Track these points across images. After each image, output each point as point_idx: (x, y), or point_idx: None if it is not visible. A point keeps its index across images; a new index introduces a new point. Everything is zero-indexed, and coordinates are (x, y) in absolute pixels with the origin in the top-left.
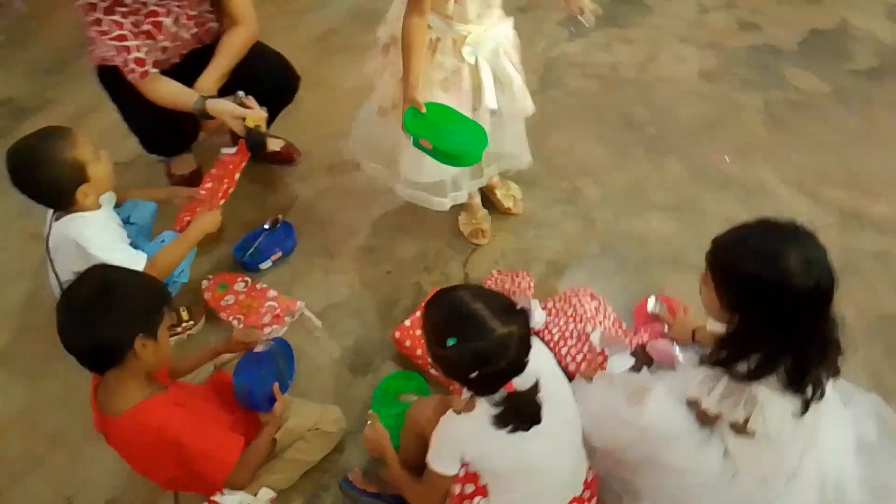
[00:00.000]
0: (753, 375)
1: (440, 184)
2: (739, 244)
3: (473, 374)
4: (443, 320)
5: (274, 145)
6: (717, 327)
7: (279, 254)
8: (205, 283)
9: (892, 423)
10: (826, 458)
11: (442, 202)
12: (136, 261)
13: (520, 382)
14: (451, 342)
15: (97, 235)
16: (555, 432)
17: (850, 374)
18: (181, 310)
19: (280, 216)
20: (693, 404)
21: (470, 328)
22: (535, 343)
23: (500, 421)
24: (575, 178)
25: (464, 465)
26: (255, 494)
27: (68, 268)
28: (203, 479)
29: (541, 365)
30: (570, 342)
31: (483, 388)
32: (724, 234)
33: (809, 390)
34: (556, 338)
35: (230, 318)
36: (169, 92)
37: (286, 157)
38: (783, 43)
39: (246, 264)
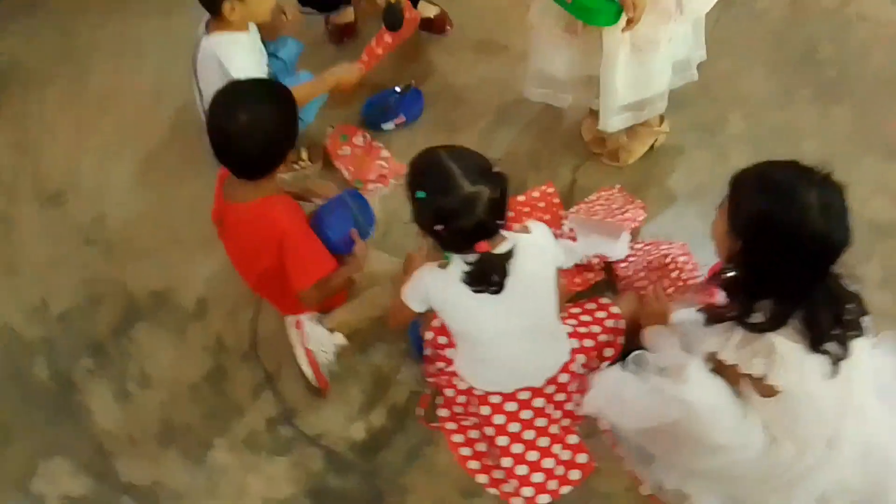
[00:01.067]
0: (766, 326)
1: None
2: (763, 174)
3: (439, 228)
4: (418, 173)
5: (428, 11)
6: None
7: (403, 118)
8: (329, 130)
9: None
10: (870, 429)
11: (564, 98)
12: None
13: (494, 245)
14: (419, 195)
15: (239, 57)
16: (513, 316)
17: None
18: (301, 150)
19: (413, 82)
20: (715, 362)
21: (439, 184)
22: (546, 246)
23: (469, 277)
24: (726, 107)
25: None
26: (332, 334)
27: (209, 83)
28: (290, 279)
29: (533, 266)
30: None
31: (449, 243)
32: (756, 164)
33: (834, 348)
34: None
35: (342, 168)
36: None
37: (437, 27)
38: None
39: (370, 121)
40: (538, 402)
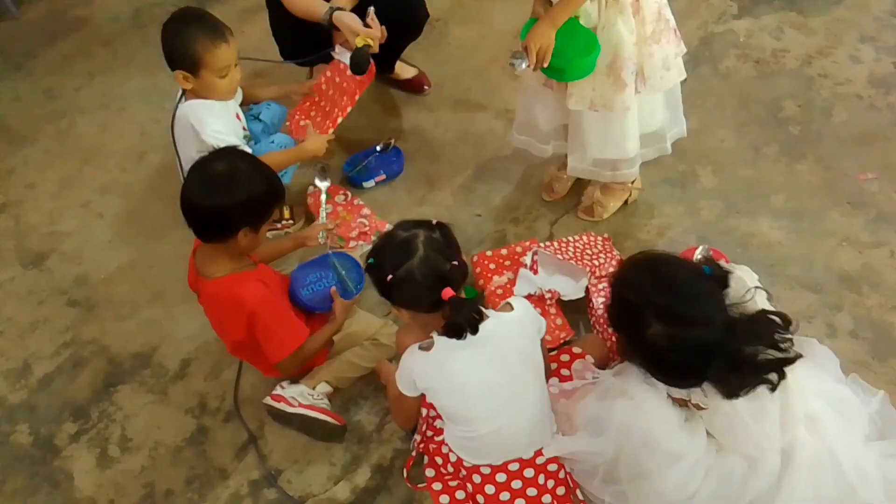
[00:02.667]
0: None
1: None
2: (633, 279)
3: (389, 278)
4: (370, 251)
5: (406, 73)
6: None
7: (383, 176)
8: (311, 188)
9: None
10: (830, 440)
11: (543, 149)
12: None
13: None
14: (370, 261)
15: (211, 122)
16: (501, 393)
17: None
18: (285, 208)
19: (393, 140)
20: None
21: (379, 243)
22: (530, 321)
23: (446, 328)
24: (695, 162)
25: None
26: (314, 388)
27: (186, 147)
28: (264, 352)
29: (519, 343)
30: None
31: (411, 298)
32: (650, 256)
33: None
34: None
35: None
36: (304, 1)
37: (416, 86)
38: None
39: (351, 180)
40: (528, 472)
